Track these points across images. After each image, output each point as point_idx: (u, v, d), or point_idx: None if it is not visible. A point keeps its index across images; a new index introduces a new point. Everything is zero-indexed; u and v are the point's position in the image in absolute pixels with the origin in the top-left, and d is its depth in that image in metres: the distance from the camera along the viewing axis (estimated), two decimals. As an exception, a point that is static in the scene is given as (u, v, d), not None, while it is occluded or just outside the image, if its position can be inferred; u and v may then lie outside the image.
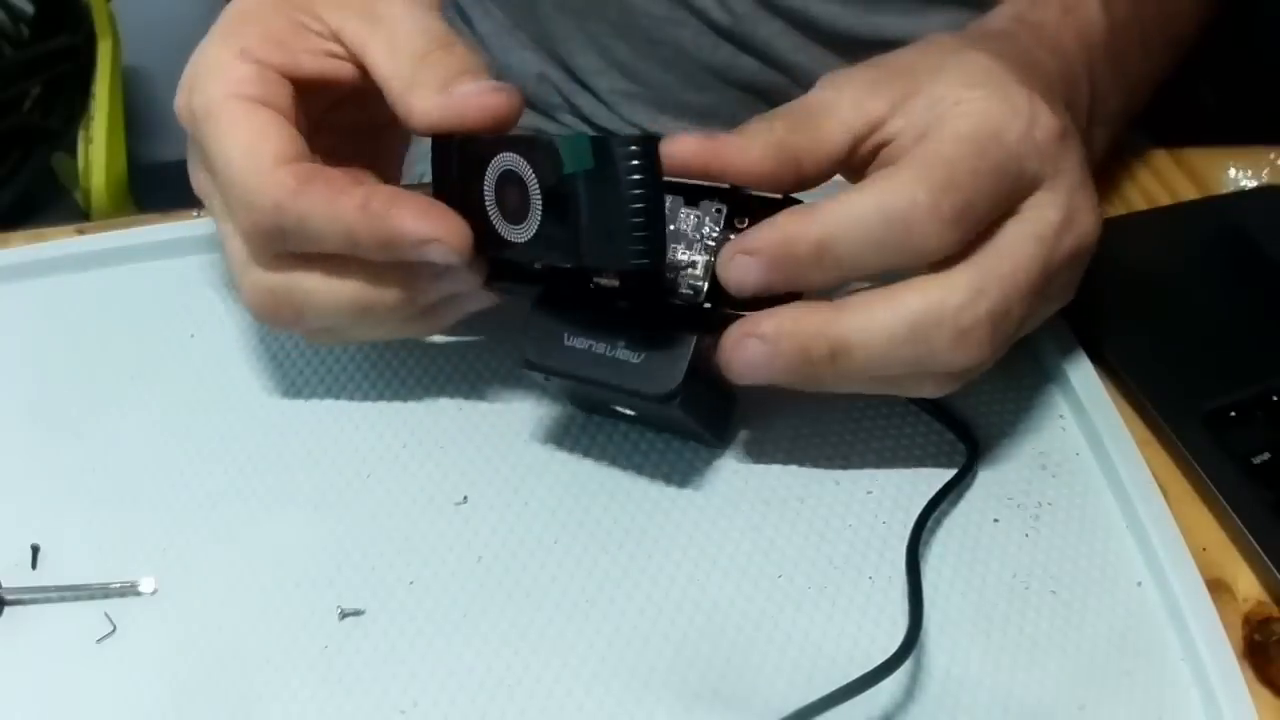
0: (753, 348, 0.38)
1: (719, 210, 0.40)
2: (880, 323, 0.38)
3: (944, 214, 0.37)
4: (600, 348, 0.40)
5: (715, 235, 0.40)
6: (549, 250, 0.38)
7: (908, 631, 0.38)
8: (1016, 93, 0.40)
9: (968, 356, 0.38)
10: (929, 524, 0.42)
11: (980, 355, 0.38)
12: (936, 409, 0.45)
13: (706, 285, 0.39)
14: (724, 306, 0.39)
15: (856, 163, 0.41)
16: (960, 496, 0.44)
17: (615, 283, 0.40)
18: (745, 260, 0.38)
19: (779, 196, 0.40)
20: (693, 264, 0.40)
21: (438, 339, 0.49)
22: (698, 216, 0.40)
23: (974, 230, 0.38)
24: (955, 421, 0.45)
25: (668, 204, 0.40)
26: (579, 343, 0.40)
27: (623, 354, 0.40)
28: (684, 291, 0.40)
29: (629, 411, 0.43)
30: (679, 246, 0.40)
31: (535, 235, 0.38)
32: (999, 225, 0.39)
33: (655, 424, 0.45)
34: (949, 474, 0.44)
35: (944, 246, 0.38)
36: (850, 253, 0.38)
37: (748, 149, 0.39)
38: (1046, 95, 0.41)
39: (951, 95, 0.40)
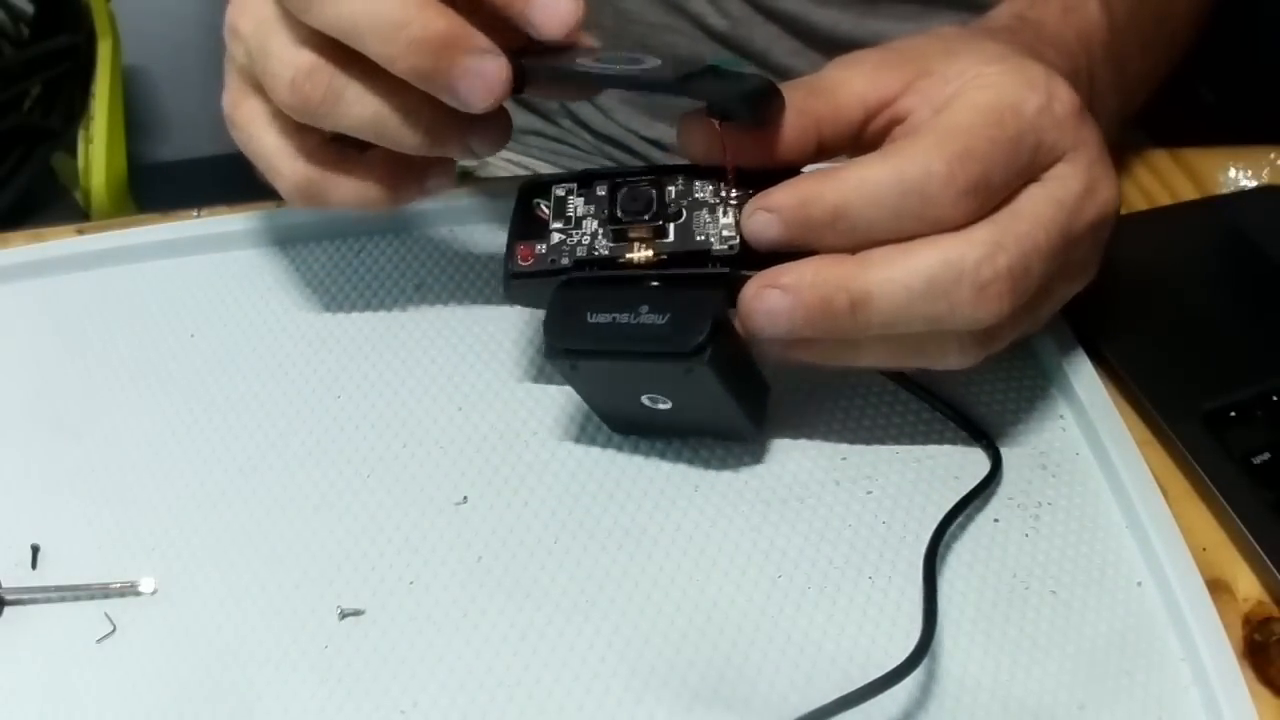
0: (773, 298, 0.38)
1: (732, 178, 0.41)
2: (900, 276, 0.38)
3: (960, 184, 0.37)
4: (624, 317, 0.40)
5: (736, 195, 0.40)
6: (655, 76, 0.39)
7: (921, 635, 0.38)
8: (1033, 69, 0.40)
9: (988, 312, 0.38)
10: (931, 524, 0.42)
11: (1000, 310, 0.38)
12: (960, 418, 0.45)
13: (739, 239, 0.40)
14: (753, 266, 0.39)
15: (867, 139, 0.41)
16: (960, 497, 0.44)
17: (650, 253, 0.41)
18: (765, 216, 0.39)
19: (791, 170, 0.40)
20: (725, 223, 0.40)
21: (437, 339, 0.49)
22: (714, 185, 0.41)
23: (991, 201, 0.38)
24: (978, 431, 0.45)
25: (680, 180, 0.41)
26: (602, 318, 0.40)
27: (647, 319, 0.39)
28: (719, 248, 0.40)
29: (664, 406, 0.42)
30: (703, 212, 0.41)
31: (642, 69, 0.39)
32: (1020, 191, 0.39)
33: (692, 417, 0.44)
34: (948, 475, 0.44)
35: (959, 216, 0.38)
36: (865, 219, 0.38)
37: None
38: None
39: (970, 71, 0.40)
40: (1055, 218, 0.39)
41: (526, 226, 0.43)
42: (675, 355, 0.39)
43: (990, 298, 0.38)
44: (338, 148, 0.44)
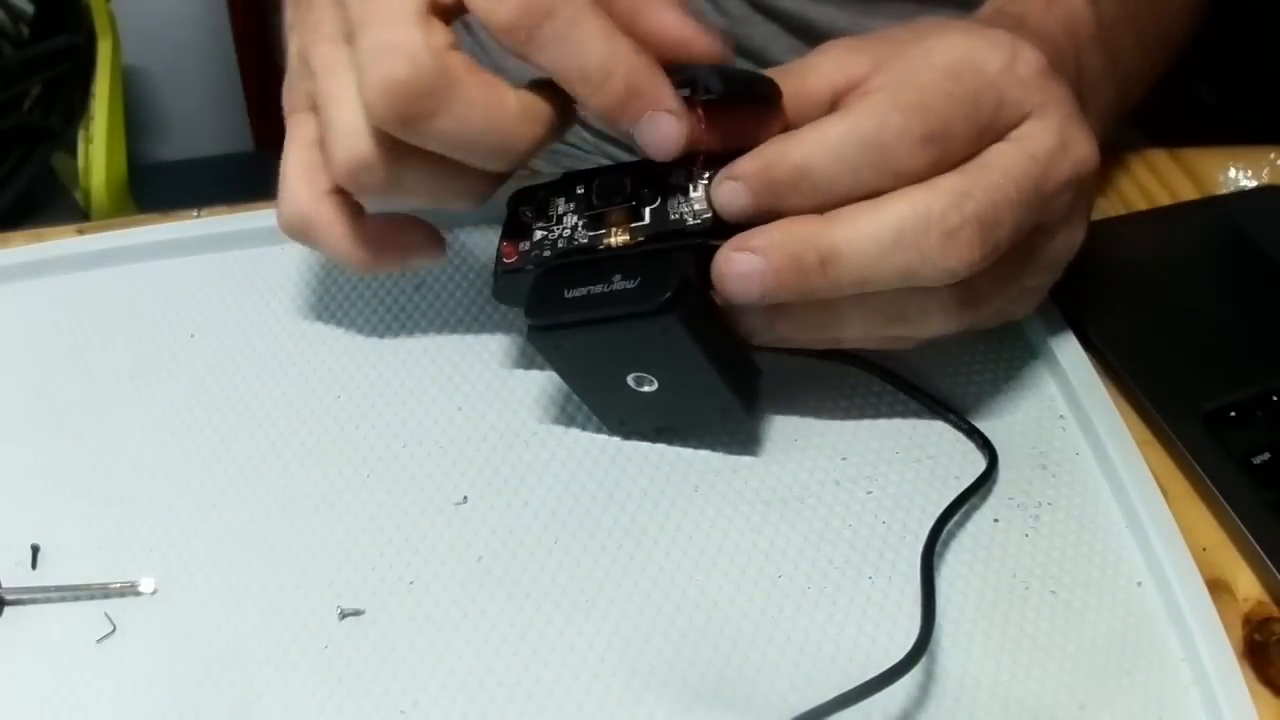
0: (744, 260, 0.39)
1: (703, 158, 0.41)
2: (868, 228, 0.38)
3: (915, 133, 0.38)
4: (598, 288, 0.40)
5: (708, 175, 0.41)
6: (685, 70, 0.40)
7: (920, 633, 0.38)
8: (998, 33, 0.41)
9: (959, 260, 0.38)
10: (930, 524, 0.42)
11: (970, 258, 0.38)
12: (957, 416, 0.45)
13: (712, 214, 0.40)
14: (726, 238, 0.40)
15: None
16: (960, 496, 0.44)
17: (626, 238, 0.41)
18: (731, 184, 0.39)
19: None
20: (696, 197, 0.41)
21: (437, 339, 0.49)
22: (687, 170, 0.41)
23: (953, 153, 0.39)
24: (974, 430, 0.45)
25: (653, 168, 0.41)
26: (577, 292, 0.41)
27: (618, 285, 0.40)
28: (692, 224, 0.40)
29: (649, 388, 0.42)
30: (676, 194, 0.41)
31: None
32: (988, 148, 0.40)
33: (680, 400, 0.43)
34: (948, 475, 0.44)
35: (919, 167, 0.38)
36: (827, 176, 0.38)
37: None
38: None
39: (934, 43, 0.40)
40: (1028, 171, 0.39)
41: (513, 230, 0.44)
42: (645, 315, 0.39)
43: (960, 244, 0.38)
44: (349, 199, 0.43)
